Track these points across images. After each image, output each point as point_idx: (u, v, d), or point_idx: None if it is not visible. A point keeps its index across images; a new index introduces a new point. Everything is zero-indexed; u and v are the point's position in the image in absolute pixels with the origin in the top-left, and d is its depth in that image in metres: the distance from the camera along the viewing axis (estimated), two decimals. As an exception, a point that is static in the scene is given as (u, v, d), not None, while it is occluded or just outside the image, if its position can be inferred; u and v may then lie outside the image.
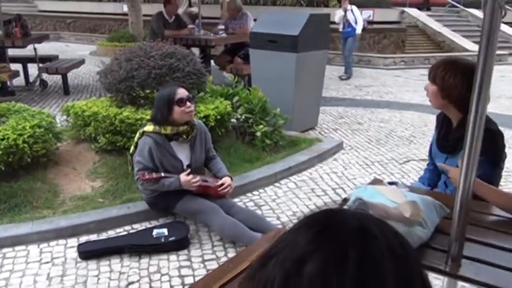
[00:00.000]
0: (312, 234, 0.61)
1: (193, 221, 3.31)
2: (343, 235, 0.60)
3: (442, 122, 2.28)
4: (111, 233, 3.21)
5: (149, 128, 3.16)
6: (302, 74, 5.13)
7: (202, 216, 3.14)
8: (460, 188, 1.42)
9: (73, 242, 3.10)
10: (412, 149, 4.91)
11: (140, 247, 2.95)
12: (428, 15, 14.17)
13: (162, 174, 3.04)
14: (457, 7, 14.85)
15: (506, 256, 1.53)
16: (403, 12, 14.12)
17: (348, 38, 9.13)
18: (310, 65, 5.19)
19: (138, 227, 3.29)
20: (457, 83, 1.97)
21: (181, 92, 3.10)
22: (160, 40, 4.65)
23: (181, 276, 2.75)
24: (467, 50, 11.87)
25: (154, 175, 3.02)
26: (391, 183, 2.11)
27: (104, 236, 3.18)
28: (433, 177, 2.51)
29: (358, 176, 4.20)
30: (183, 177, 3.06)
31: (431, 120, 5.97)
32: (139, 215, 3.35)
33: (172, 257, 2.94)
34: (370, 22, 13.46)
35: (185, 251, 2.99)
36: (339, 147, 4.84)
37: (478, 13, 14.51)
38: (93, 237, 3.16)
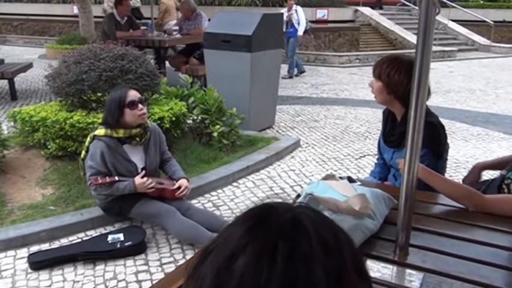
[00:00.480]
0: (244, 229, 0.61)
1: (150, 224, 3.25)
2: (274, 228, 0.59)
3: (387, 117, 2.34)
4: (64, 241, 3.10)
5: (100, 131, 3.07)
6: (257, 73, 5.14)
7: (159, 220, 3.09)
8: (405, 179, 1.45)
9: (23, 252, 2.98)
10: (368, 144, 5.02)
11: (95, 254, 2.87)
12: (381, 14, 14.55)
13: (116, 178, 2.97)
14: (408, 5, 15.33)
15: (450, 242, 1.59)
16: (356, 11, 14.43)
17: (290, 38, 9.02)
18: (264, 64, 5.21)
19: (92, 233, 3.20)
20: (402, 79, 2.03)
21: (133, 94, 3.03)
22: (112, 42, 4.54)
23: (138, 281, 2.70)
24: (417, 47, 12.25)
25: (107, 179, 2.94)
26: (342, 178, 2.15)
27: (56, 244, 3.07)
28: (383, 171, 2.58)
29: (315, 172, 4.25)
30: (138, 179, 2.99)
31: (384, 115, 6.13)
32: (94, 221, 3.25)
33: (129, 262, 2.87)
34: (324, 21, 13.69)
35: (142, 256, 2.93)
36: (296, 145, 4.88)
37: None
38: (44, 246, 3.04)
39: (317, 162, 4.52)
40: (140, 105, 3.02)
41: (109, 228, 3.24)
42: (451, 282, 1.39)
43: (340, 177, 2.22)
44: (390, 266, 1.52)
